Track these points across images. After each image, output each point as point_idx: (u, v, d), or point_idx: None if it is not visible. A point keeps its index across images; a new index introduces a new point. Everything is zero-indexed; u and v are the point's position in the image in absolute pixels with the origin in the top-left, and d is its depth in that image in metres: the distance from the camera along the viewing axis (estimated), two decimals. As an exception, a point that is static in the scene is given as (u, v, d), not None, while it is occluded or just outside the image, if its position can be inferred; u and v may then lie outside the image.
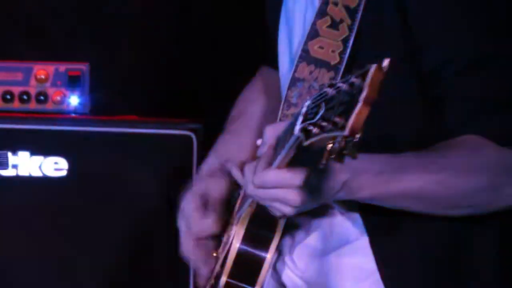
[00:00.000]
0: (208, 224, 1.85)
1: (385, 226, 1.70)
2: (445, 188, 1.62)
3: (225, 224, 1.88)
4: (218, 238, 1.86)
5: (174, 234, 1.80)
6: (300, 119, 1.33)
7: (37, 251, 2.47)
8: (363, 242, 1.69)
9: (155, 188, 2.46)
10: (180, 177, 2.04)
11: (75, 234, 2.49)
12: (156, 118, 2.54)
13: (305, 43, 1.74)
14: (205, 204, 1.85)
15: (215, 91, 2.55)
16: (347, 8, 1.72)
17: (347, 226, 1.72)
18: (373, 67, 1.17)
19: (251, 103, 2.03)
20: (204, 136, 2.43)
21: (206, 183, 1.88)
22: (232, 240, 1.76)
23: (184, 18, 3.01)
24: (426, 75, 1.57)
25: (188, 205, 1.85)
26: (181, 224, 1.85)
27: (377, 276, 1.65)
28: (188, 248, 1.83)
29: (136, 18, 2.98)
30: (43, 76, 2.43)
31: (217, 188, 1.87)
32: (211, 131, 2.07)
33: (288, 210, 1.53)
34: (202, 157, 1.97)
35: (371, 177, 1.58)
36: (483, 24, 1.63)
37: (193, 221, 1.86)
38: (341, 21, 1.73)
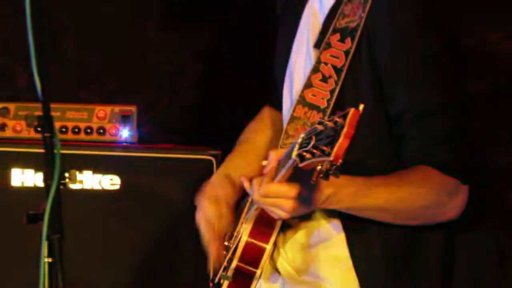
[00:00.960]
0: (225, 225, 2.24)
1: (358, 228, 2.07)
2: (402, 204, 2.01)
3: (236, 222, 2.29)
4: (230, 233, 2.27)
5: (196, 235, 2.26)
6: (297, 147, 1.73)
7: (95, 250, 3.00)
8: (340, 238, 2.07)
9: (184, 200, 2.87)
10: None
11: (124, 235, 3.03)
12: (186, 146, 3.07)
13: (302, 91, 2.13)
14: (219, 208, 2.27)
15: (230, 127, 3.01)
16: (334, 67, 2.10)
17: (328, 227, 2.08)
18: (351, 110, 1.58)
19: (257, 132, 2.44)
20: (221, 161, 2.75)
21: (216, 190, 2.29)
22: (242, 234, 2.14)
23: (206, 73, 3.45)
24: (391, 118, 1.97)
25: (209, 210, 2.24)
26: (202, 224, 2.25)
27: (349, 263, 2.05)
28: (209, 242, 2.22)
29: (168, 70, 3.46)
30: (102, 115, 3.01)
31: (224, 194, 2.27)
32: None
33: (283, 215, 1.91)
34: None
35: (347, 194, 1.96)
36: (432, 81, 2.03)
37: (214, 222, 2.25)
38: (330, 76, 2.10)
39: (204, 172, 2.90)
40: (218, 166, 2.94)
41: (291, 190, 1.96)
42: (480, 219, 2.35)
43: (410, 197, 2.09)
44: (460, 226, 2.23)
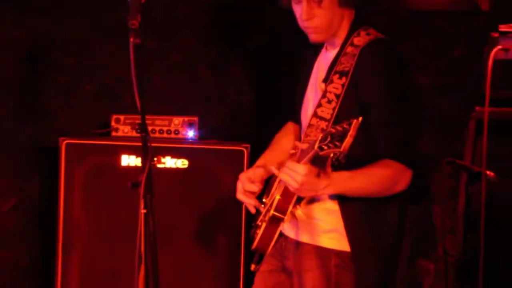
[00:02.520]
0: (253, 186, 3.10)
1: (347, 198, 2.93)
2: (374, 186, 2.90)
3: (268, 190, 3.15)
4: (268, 197, 3.11)
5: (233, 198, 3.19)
6: (317, 142, 2.52)
7: (171, 206, 4.13)
8: (334, 203, 2.93)
9: (225, 174, 4.21)
10: (238, 172, 3.33)
11: (189, 198, 4.21)
12: (227, 141, 4.31)
13: (315, 109, 3.00)
14: (251, 179, 3.12)
15: (256, 130, 4.34)
16: (335, 94, 2.99)
17: (325, 197, 2.95)
18: (355, 121, 2.45)
19: (283, 137, 3.34)
20: (250, 151, 4.21)
21: (253, 169, 3.18)
22: (275, 196, 2.96)
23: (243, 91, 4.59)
24: (366, 127, 2.73)
25: (243, 176, 3.13)
26: (238, 185, 3.13)
27: (339, 214, 2.93)
28: (240, 196, 3.13)
29: (216, 95, 4.65)
30: (177, 122, 4.28)
31: (258, 172, 3.15)
32: (255, 149, 3.81)
33: (295, 185, 2.67)
34: (250, 163, 3.75)
35: (340, 182, 2.81)
36: (391, 105, 2.88)
37: (244, 184, 3.13)
38: (332, 100, 2.98)
39: (239, 158, 4.22)
40: (247, 155, 4.24)
41: (305, 169, 2.76)
42: (417, 194, 3.48)
43: (378, 180, 2.98)
44: (408, 198, 3.13)
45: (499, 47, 3.58)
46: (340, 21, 3.13)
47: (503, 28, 3.71)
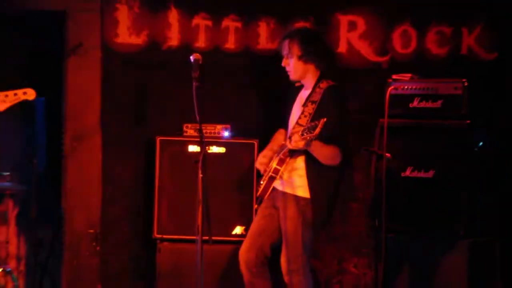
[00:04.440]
0: (264, 160, 5.11)
1: (310, 167, 4.97)
2: (327, 154, 4.89)
3: (270, 164, 5.09)
4: (268, 166, 5.08)
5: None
6: (301, 131, 4.65)
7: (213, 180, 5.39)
8: (303, 165, 4.97)
9: (241, 159, 5.98)
10: (252, 156, 5.71)
11: (225, 174, 6.10)
12: (243, 137, 6.04)
13: (297, 120, 4.93)
14: (264, 154, 5.22)
15: (263, 129, 5.97)
16: (309, 113, 4.89)
17: (299, 161, 5.00)
18: (322, 120, 4.58)
19: (279, 135, 5.27)
20: (259, 144, 5.84)
21: (264, 151, 5.20)
22: (272, 165, 4.99)
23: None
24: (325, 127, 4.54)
25: (260, 155, 5.15)
26: (260, 156, 5.19)
27: (305, 177, 4.99)
28: (257, 165, 5.24)
29: (239, 110, 6.64)
30: (219, 127, 6.00)
31: (267, 152, 5.15)
32: (262, 143, 5.67)
33: (294, 145, 4.72)
34: (259, 149, 5.62)
35: (313, 147, 4.79)
36: (339, 124, 4.83)
37: (260, 158, 5.15)
38: (307, 116, 4.93)
39: (251, 147, 5.95)
40: (257, 146, 5.91)
41: (299, 137, 4.63)
42: (345, 165, 5.08)
43: (329, 152, 4.86)
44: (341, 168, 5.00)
45: (392, 87, 5.49)
46: (305, 70, 5.00)
47: (394, 76, 5.65)
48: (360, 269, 6.71)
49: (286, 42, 5.02)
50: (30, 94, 5.21)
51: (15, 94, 5.17)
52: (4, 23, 7.25)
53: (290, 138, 4.82)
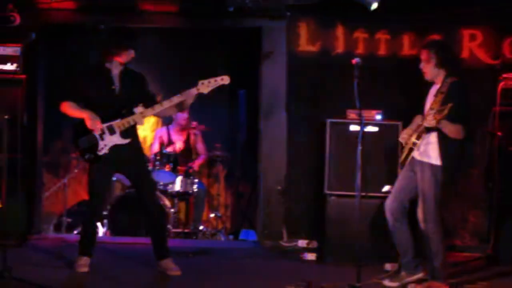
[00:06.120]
0: (405, 136, 6.09)
1: (442, 140, 5.77)
2: (452, 132, 5.73)
3: (414, 134, 6.14)
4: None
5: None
6: (433, 113, 5.61)
7: None
8: (436, 144, 5.80)
9: (390, 136, 7.17)
10: (397, 134, 6.96)
11: (379, 147, 7.23)
12: (392, 119, 7.15)
13: (430, 106, 5.92)
14: (408, 132, 5.99)
15: (407, 113, 6.56)
16: (439, 100, 5.79)
17: (433, 140, 5.80)
18: (449, 104, 5.57)
19: (416, 118, 6.11)
20: (403, 125, 6.99)
21: (407, 129, 6.00)
22: (411, 139, 5.95)
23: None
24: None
25: (404, 130, 6.09)
26: (402, 132, 6.08)
27: (438, 148, 5.79)
28: (401, 139, 6.08)
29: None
30: (373, 113, 7.24)
31: (407, 131, 6.05)
32: (405, 124, 6.83)
33: (428, 124, 5.87)
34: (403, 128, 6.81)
35: (443, 125, 5.65)
36: (460, 109, 5.58)
37: (402, 133, 6.15)
38: (439, 100, 5.82)
39: (396, 128, 7.35)
40: (401, 126, 6.93)
41: (432, 117, 5.52)
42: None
43: (455, 129, 5.71)
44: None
45: (503, 83, 7.00)
46: (438, 73, 5.73)
47: (504, 75, 7.18)
48: (478, 218, 7.86)
49: (425, 51, 5.87)
50: (225, 79, 6.10)
51: (215, 80, 6.10)
52: (218, 36, 9.16)
53: (425, 118, 5.63)
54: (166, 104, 6.05)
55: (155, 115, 6.45)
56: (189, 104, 6.17)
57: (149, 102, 6.20)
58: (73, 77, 6.21)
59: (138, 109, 6.07)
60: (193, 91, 6.07)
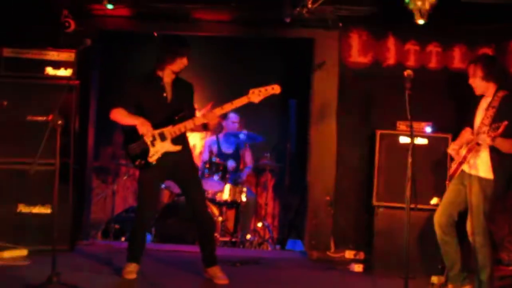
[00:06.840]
0: (454, 148, 6.13)
1: (493, 156, 5.87)
2: (506, 149, 5.71)
3: (465, 147, 6.02)
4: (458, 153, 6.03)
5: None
6: (487, 131, 5.56)
7: None
8: (488, 158, 5.85)
9: (439, 147, 7.06)
10: (446, 146, 6.75)
11: (428, 159, 7.12)
12: (443, 132, 7.06)
13: (481, 120, 5.87)
14: (457, 145, 5.96)
15: (456, 126, 6.71)
16: (490, 115, 5.72)
17: (484, 155, 5.84)
18: (504, 122, 5.50)
19: (465, 132, 6.03)
20: (452, 138, 6.95)
21: (455, 143, 6.03)
22: (462, 153, 5.90)
23: None
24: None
25: (453, 143, 6.03)
26: (452, 144, 6.02)
27: (489, 163, 5.81)
28: (449, 151, 6.06)
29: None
30: (423, 124, 7.13)
31: (456, 143, 6.06)
32: (454, 136, 6.68)
33: (483, 140, 5.61)
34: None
35: (497, 143, 5.61)
36: None
37: (451, 146, 6.07)
38: (489, 117, 5.68)
39: (446, 140, 7.12)
40: (451, 139, 6.88)
41: (487, 135, 5.51)
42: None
43: (509, 145, 5.69)
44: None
45: None
46: (487, 87, 5.74)
47: None
48: (526, 233, 7.42)
49: (472, 66, 5.91)
50: (276, 89, 6.06)
51: (266, 89, 6.07)
52: (270, 46, 9.26)
53: (478, 134, 5.59)
54: (218, 111, 6.08)
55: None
56: (214, 126, 6.21)
57: (192, 113, 6.27)
58: (125, 84, 6.23)
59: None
60: (244, 100, 6.04)
